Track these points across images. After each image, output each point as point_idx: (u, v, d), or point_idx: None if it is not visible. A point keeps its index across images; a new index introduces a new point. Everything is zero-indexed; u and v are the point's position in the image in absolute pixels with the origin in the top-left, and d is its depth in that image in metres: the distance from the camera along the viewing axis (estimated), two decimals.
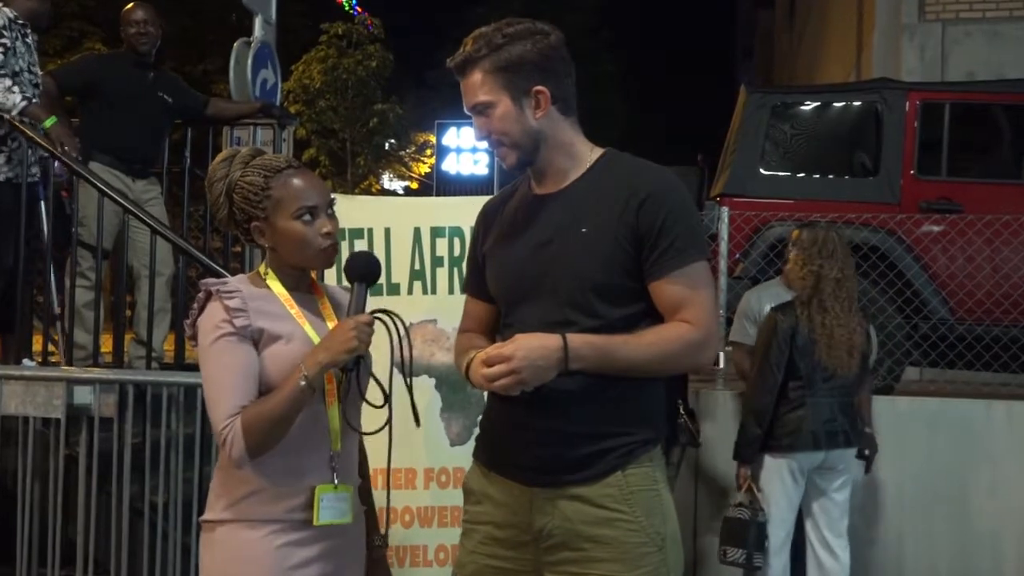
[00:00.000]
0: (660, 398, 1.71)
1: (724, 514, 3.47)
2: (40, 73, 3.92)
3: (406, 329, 1.71)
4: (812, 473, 3.37)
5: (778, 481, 3.33)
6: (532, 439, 1.64)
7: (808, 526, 3.44)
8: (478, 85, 1.67)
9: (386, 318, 1.70)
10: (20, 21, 3.80)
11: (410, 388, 1.71)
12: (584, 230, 1.63)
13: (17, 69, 3.73)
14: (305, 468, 1.67)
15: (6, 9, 3.76)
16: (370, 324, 1.65)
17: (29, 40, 3.84)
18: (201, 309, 1.69)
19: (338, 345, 1.61)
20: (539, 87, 1.65)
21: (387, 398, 1.67)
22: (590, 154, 1.71)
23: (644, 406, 1.67)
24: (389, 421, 1.67)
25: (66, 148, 3.59)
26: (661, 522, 1.65)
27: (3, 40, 3.67)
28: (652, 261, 1.62)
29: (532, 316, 1.65)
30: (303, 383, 1.60)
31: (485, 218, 1.82)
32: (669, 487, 1.72)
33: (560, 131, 1.69)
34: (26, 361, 3.60)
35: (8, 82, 3.63)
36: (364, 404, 1.71)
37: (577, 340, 1.57)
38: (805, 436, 3.27)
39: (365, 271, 1.73)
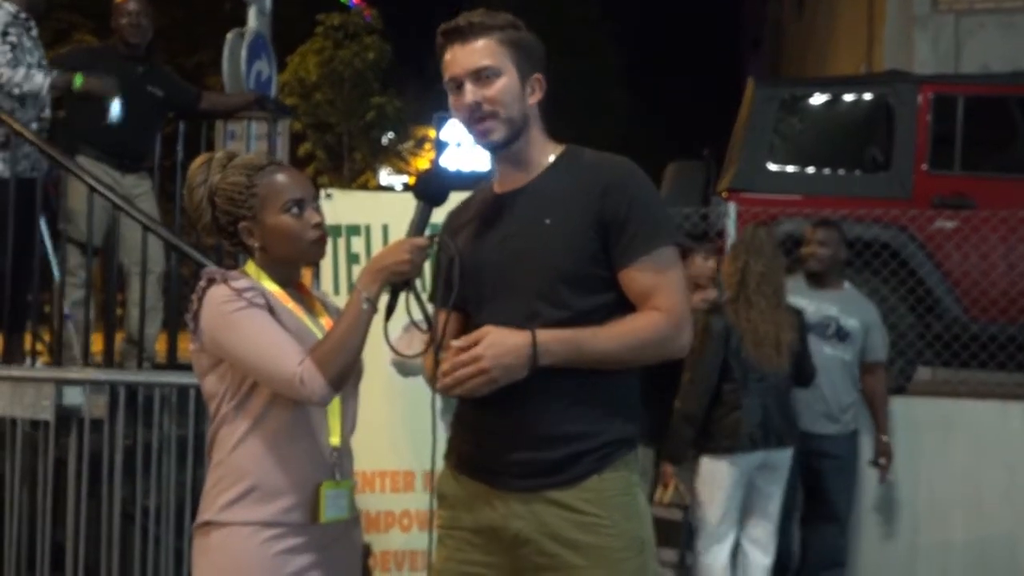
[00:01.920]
0: (636, 394, 1.69)
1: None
2: (47, 66, 3.83)
3: (455, 261, 1.68)
4: (754, 473, 3.35)
5: (720, 481, 3.32)
6: (504, 442, 1.63)
7: (740, 525, 3.42)
8: (487, 50, 1.65)
9: (450, 242, 1.70)
10: (23, 15, 3.72)
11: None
12: (548, 221, 1.63)
13: (27, 64, 3.66)
14: (302, 464, 1.65)
15: (7, 5, 3.69)
16: (425, 248, 1.64)
17: (34, 34, 3.77)
18: (200, 299, 1.66)
19: (392, 264, 1.61)
20: (539, 76, 1.70)
21: (430, 324, 1.66)
22: (553, 152, 1.73)
23: (619, 403, 1.65)
24: (433, 343, 1.64)
25: (111, 91, 3.57)
26: (639, 526, 1.64)
27: (10, 38, 3.62)
28: (620, 249, 1.62)
29: (499, 313, 1.63)
30: (365, 305, 1.60)
31: (449, 226, 1.80)
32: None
33: (537, 125, 1.72)
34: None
35: (23, 70, 3.59)
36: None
37: (546, 335, 1.56)
38: (743, 438, 3.28)
39: (433, 190, 1.68)
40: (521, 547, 1.62)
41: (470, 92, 1.64)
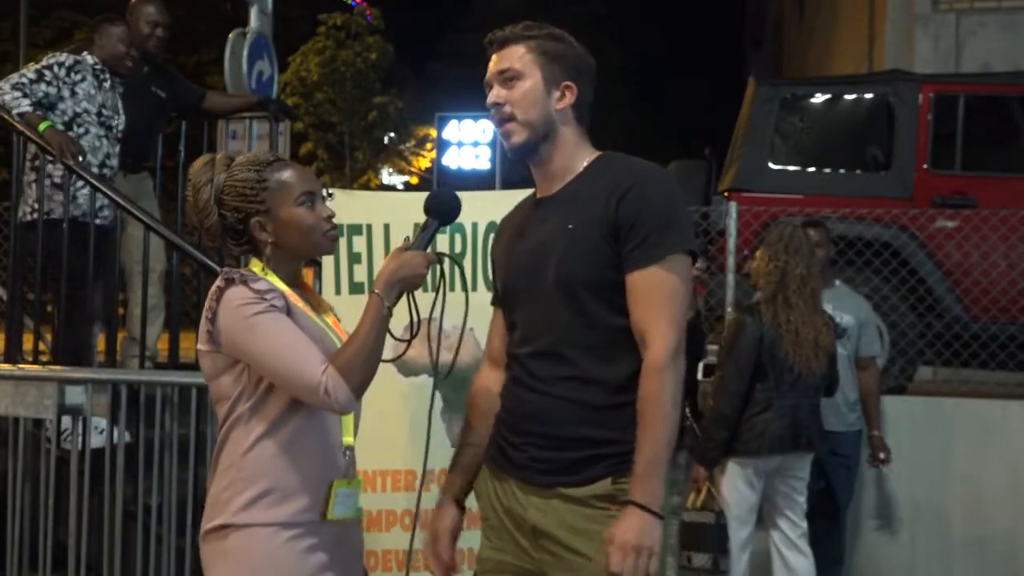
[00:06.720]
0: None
1: (681, 518, 3.43)
2: (118, 116, 3.80)
3: (460, 271, 1.82)
4: (773, 475, 3.33)
5: (739, 483, 3.31)
6: (531, 442, 1.70)
7: (771, 528, 3.40)
8: (516, 55, 1.71)
9: (444, 263, 1.76)
10: (99, 67, 3.74)
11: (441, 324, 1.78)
12: (571, 227, 1.67)
13: (79, 110, 3.65)
14: (317, 464, 1.66)
15: (86, 54, 3.74)
16: (434, 262, 1.71)
17: (107, 85, 3.77)
18: (218, 299, 1.64)
19: (412, 276, 1.66)
20: (569, 83, 1.73)
21: (415, 333, 1.73)
22: (588, 158, 1.75)
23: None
24: (406, 350, 1.74)
25: (64, 152, 3.51)
26: None
27: (47, 74, 3.62)
28: (626, 253, 1.63)
29: (531, 316, 1.71)
30: (386, 312, 1.63)
31: (500, 227, 1.89)
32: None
33: (570, 131, 1.74)
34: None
35: (17, 93, 3.57)
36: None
37: (636, 491, 1.57)
38: (771, 440, 3.24)
39: (445, 207, 1.75)
40: (540, 538, 1.68)
41: (493, 93, 1.72)
